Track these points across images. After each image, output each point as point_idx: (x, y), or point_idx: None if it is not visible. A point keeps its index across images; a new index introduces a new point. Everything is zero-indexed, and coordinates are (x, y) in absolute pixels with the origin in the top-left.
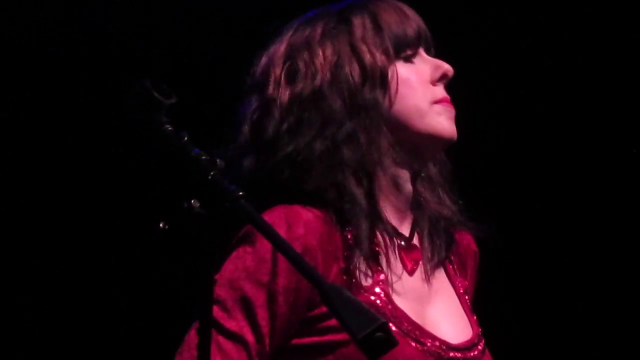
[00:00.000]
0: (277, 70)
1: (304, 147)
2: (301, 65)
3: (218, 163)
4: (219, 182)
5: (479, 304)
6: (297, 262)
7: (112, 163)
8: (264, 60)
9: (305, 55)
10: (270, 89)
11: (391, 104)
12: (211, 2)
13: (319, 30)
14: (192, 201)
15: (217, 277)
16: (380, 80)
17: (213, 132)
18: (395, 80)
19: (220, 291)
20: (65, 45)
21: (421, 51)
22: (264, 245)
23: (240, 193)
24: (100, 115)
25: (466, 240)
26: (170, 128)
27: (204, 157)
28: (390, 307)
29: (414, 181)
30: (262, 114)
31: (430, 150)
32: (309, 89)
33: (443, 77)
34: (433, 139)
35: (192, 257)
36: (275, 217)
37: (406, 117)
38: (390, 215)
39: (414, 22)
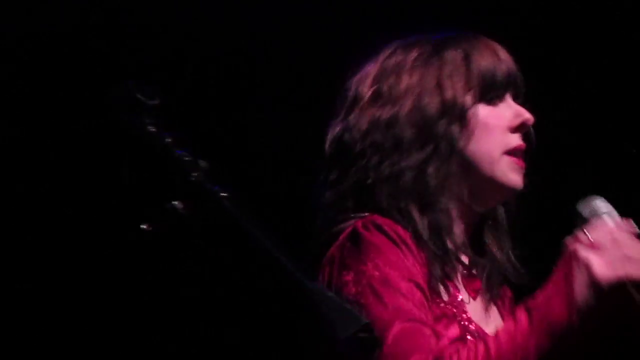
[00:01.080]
0: (365, 91)
1: (371, 171)
2: (386, 89)
3: (201, 164)
4: (202, 183)
5: None
6: (279, 262)
7: (96, 164)
8: (357, 77)
9: (392, 80)
10: (356, 108)
11: (466, 143)
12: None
13: (411, 57)
14: (175, 202)
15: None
16: (459, 117)
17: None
18: (474, 121)
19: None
20: (50, 44)
21: (507, 96)
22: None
23: (223, 194)
24: (84, 116)
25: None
26: (153, 129)
27: (187, 158)
28: (473, 326)
29: (474, 221)
30: (344, 132)
31: (493, 196)
32: (388, 114)
33: (521, 127)
34: (496, 187)
35: (176, 258)
36: (381, 220)
37: (477, 159)
38: (451, 244)
39: (505, 66)
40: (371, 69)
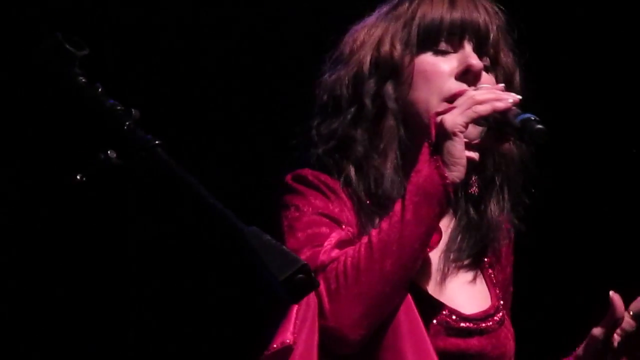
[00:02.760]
0: (335, 53)
1: (314, 129)
2: (345, 51)
3: (133, 113)
4: (135, 132)
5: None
6: (214, 207)
7: (27, 116)
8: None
9: (350, 42)
10: (325, 68)
11: (405, 95)
12: None
13: (374, 17)
14: (109, 152)
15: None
16: (392, 72)
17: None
18: (411, 72)
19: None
20: None
21: (465, 45)
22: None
23: (157, 142)
24: (12, 68)
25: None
26: (83, 80)
27: (118, 108)
28: None
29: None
30: (313, 90)
31: None
32: (335, 76)
33: (466, 73)
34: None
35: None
36: (307, 172)
37: (415, 108)
38: (386, 198)
39: (458, 14)
40: (350, 30)
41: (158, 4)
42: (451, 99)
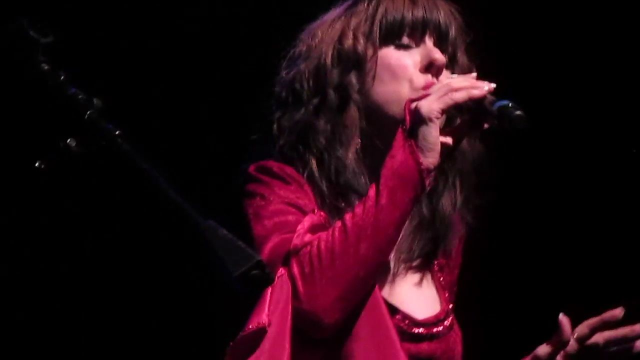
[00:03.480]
0: (294, 51)
1: (275, 122)
2: (303, 48)
3: (95, 102)
4: (96, 120)
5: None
6: (172, 199)
7: None
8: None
9: (308, 38)
10: (283, 66)
11: (369, 88)
12: None
13: (333, 14)
14: (69, 140)
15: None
16: (355, 64)
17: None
18: (375, 65)
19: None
20: None
21: (426, 40)
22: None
23: (117, 132)
24: None
25: (455, 219)
26: (46, 67)
27: (80, 96)
28: None
29: None
30: (272, 86)
31: None
32: (294, 71)
33: (430, 66)
34: None
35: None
36: (271, 163)
37: (384, 100)
38: (357, 196)
39: (420, 11)
40: (307, 29)
41: None
42: (424, 89)
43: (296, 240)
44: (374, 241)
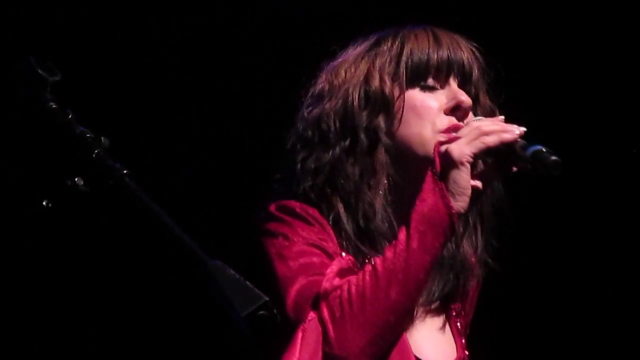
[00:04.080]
0: (314, 89)
1: (299, 163)
2: (326, 86)
3: (103, 141)
4: (103, 159)
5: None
6: (179, 239)
7: None
8: (316, 79)
9: (331, 77)
10: (305, 106)
11: (395, 130)
12: None
13: (355, 52)
14: (76, 179)
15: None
16: (383, 107)
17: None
18: (402, 107)
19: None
20: None
21: (451, 82)
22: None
23: (125, 171)
24: None
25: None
26: (54, 105)
27: (88, 135)
28: None
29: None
30: (293, 126)
31: None
32: (319, 111)
33: (456, 109)
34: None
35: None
36: (293, 203)
37: (409, 143)
38: (386, 240)
39: (445, 52)
40: (328, 66)
41: (134, 33)
42: (447, 131)
43: (326, 284)
44: (405, 286)
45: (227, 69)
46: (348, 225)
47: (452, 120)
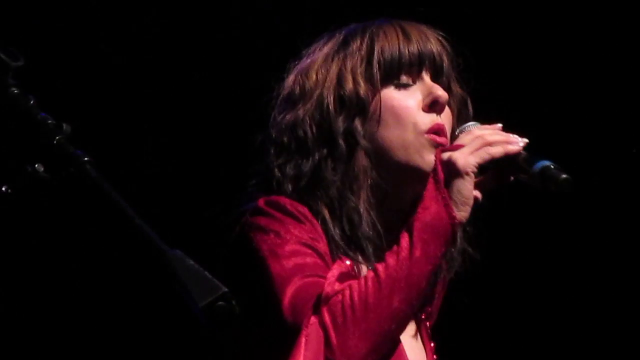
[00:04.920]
0: (285, 92)
1: (277, 171)
2: (297, 89)
3: (64, 128)
4: (65, 146)
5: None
6: (139, 228)
7: None
8: (284, 81)
9: (301, 79)
10: (274, 112)
11: (374, 132)
12: None
13: (323, 53)
14: (37, 165)
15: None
16: (359, 109)
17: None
18: (379, 109)
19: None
20: None
21: (424, 76)
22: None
23: (86, 158)
24: None
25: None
26: (16, 91)
27: (50, 121)
28: None
29: (404, 208)
30: (267, 132)
31: (414, 180)
32: (292, 116)
33: (434, 104)
34: (414, 170)
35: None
36: (284, 200)
37: (389, 145)
38: (364, 240)
39: (414, 47)
40: (295, 67)
41: (98, 13)
42: (430, 132)
43: (327, 288)
44: (407, 294)
45: (199, 51)
46: (335, 231)
47: (433, 118)
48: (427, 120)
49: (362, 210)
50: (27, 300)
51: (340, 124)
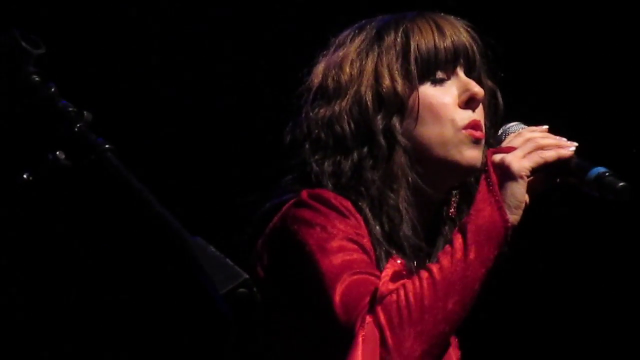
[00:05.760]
0: (315, 87)
1: (315, 166)
2: (330, 83)
3: (85, 115)
4: (86, 134)
5: None
6: (160, 215)
7: None
8: (313, 72)
9: (335, 73)
10: (307, 105)
11: (412, 129)
12: None
13: (355, 46)
14: (58, 152)
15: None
16: (398, 107)
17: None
18: (417, 106)
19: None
20: None
21: (458, 71)
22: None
23: (107, 146)
24: None
25: None
26: (37, 78)
27: (71, 109)
28: None
29: (434, 208)
30: (294, 128)
31: (451, 177)
32: (329, 112)
33: (470, 101)
34: (452, 167)
35: (56, 209)
36: (327, 193)
37: (427, 142)
38: (404, 239)
39: (449, 42)
40: (322, 62)
41: (120, 6)
42: (467, 129)
43: (382, 287)
44: (462, 297)
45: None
46: (376, 229)
47: (470, 114)
48: (465, 116)
49: (402, 209)
50: (49, 287)
51: (379, 121)
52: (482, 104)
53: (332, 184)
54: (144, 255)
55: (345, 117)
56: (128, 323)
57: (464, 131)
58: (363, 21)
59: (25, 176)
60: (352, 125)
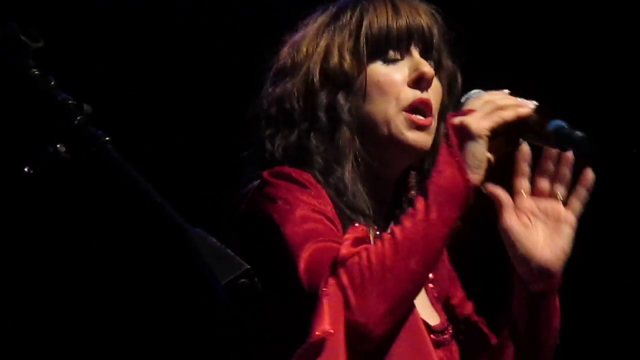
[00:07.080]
0: (274, 66)
1: (266, 139)
2: (288, 62)
3: (85, 108)
4: (85, 126)
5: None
6: (160, 207)
7: None
8: (280, 51)
9: (293, 52)
10: (269, 82)
11: (359, 107)
12: None
13: (314, 26)
14: (58, 145)
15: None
16: (342, 83)
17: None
18: (364, 83)
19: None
20: None
21: (412, 51)
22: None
23: (107, 138)
24: None
25: None
26: (37, 72)
27: (70, 102)
28: None
29: (391, 184)
30: (256, 103)
31: (397, 157)
32: (282, 89)
33: (419, 80)
34: (397, 147)
35: (56, 201)
36: (288, 169)
37: (373, 120)
38: (351, 209)
39: (403, 22)
40: (289, 40)
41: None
42: (410, 108)
43: (343, 250)
44: (424, 256)
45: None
46: (331, 195)
47: (416, 93)
48: (410, 95)
49: (347, 181)
50: (50, 279)
51: (322, 98)
52: (442, 85)
53: (281, 157)
54: (144, 246)
55: (296, 93)
56: (129, 316)
57: (405, 114)
58: (329, 3)
59: (25, 169)
60: (300, 101)
